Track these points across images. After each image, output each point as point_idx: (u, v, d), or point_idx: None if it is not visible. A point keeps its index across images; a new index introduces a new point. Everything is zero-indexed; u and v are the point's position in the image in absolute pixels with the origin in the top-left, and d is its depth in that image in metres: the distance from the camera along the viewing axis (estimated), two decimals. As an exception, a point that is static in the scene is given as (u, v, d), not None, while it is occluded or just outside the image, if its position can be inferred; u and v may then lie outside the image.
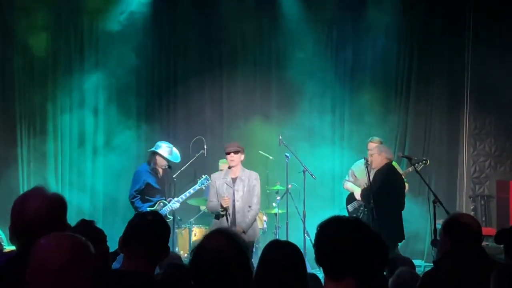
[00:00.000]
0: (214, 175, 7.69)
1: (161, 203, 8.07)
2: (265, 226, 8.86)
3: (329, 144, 10.24)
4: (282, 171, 8.88)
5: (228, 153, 7.45)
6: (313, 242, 2.53)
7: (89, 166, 9.63)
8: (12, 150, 9.31)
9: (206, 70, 10.09)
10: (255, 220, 7.59)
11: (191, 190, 8.11)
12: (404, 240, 9.65)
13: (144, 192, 8.09)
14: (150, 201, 8.06)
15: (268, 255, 3.18)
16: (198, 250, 2.35)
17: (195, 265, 2.30)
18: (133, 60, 9.60)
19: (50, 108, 9.43)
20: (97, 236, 3.63)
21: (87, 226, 3.62)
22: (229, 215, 7.39)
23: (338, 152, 10.28)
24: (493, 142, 10.48)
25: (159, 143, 8.28)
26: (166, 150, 8.17)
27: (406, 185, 8.11)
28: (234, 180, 7.50)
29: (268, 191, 9.59)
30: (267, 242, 8.82)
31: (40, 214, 2.55)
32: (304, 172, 8.49)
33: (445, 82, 10.42)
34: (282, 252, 3.16)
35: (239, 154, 7.47)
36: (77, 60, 9.53)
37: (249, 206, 7.46)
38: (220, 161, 8.85)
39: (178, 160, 8.30)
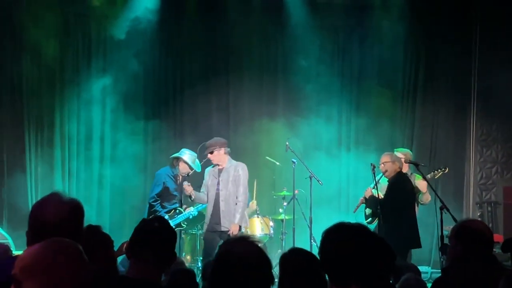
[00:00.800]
0: (208, 168, 8.05)
1: (177, 211, 8.12)
2: (272, 232, 8.85)
3: (336, 150, 10.24)
4: (288, 176, 8.88)
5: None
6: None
7: (95, 175, 9.64)
8: (20, 157, 9.33)
9: (212, 76, 10.11)
10: (244, 210, 7.88)
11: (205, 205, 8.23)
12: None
13: (162, 198, 8.15)
14: (167, 207, 8.13)
15: (288, 261, 3.17)
16: (224, 255, 2.29)
17: (220, 271, 2.26)
18: (140, 66, 9.63)
19: (58, 114, 9.45)
20: (105, 241, 3.65)
21: (94, 232, 3.62)
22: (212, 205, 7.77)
23: (345, 158, 10.28)
24: (499, 148, 10.45)
25: (183, 150, 8.40)
26: (190, 158, 8.26)
27: (429, 196, 8.02)
28: (220, 171, 7.87)
29: (274, 196, 9.59)
30: (273, 248, 8.88)
31: (58, 219, 2.56)
32: (310, 178, 8.48)
33: (452, 89, 10.41)
34: (303, 258, 3.15)
35: (215, 152, 7.80)
36: (84, 66, 9.56)
37: (237, 198, 7.75)
38: None
39: (199, 169, 8.38)
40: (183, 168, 8.29)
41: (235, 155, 9.07)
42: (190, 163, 8.26)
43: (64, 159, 9.46)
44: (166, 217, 8.05)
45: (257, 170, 10.02)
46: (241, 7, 9.95)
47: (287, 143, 8.91)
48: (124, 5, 9.52)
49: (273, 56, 10.33)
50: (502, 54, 9.96)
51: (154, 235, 2.94)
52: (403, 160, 7.92)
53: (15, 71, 9.33)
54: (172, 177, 8.29)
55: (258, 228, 8.66)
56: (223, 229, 7.71)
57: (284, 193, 9.05)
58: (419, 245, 7.53)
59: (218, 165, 7.90)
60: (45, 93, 9.42)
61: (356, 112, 10.24)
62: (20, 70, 9.31)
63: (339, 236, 2.45)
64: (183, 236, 8.89)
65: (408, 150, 8.60)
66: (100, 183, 9.66)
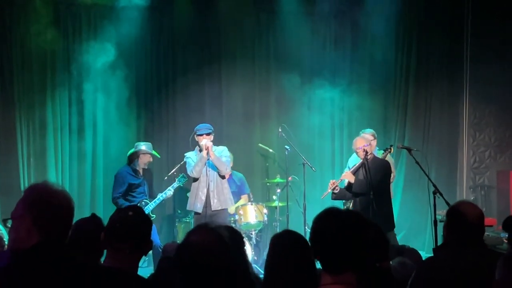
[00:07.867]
0: (189, 153, 7.91)
1: (143, 202, 8.02)
2: (266, 219, 8.86)
3: (329, 136, 10.25)
4: (282, 163, 8.88)
5: (203, 135, 7.69)
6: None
7: (89, 166, 9.58)
8: (13, 152, 9.24)
9: (204, 64, 10.06)
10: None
11: (171, 188, 8.13)
12: (404, 231, 9.73)
13: (127, 193, 8.02)
14: (133, 199, 8.01)
15: (278, 240, 3.19)
16: (182, 245, 2.34)
17: (180, 261, 2.31)
18: (132, 54, 9.57)
19: (49, 104, 9.36)
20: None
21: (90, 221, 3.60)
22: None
23: (338, 143, 10.30)
24: (492, 132, 10.48)
25: (137, 143, 8.30)
26: (148, 147, 8.23)
27: (395, 174, 8.26)
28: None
29: (268, 184, 9.61)
30: (268, 235, 8.89)
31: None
32: (304, 164, 8.49)
33: (444, 73, 10.42)
34: (293, 239, 3.16)
35: (210, 135, 7.72)
36: (75, 54, 9.46)
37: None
38: None
39: (159, 155, 8.56)
40: (144, 159, 8.19)
41: (228, 142, 9.07)
42: (149, 150, 8.21)
43: (57, 154, 9.36)
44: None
45: (251, 157, 10.03)
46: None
47: (279, 130, 8.92)
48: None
49: (265, 43, 10.29)
50: (494, 39, 9.97)
51: (129, 224, 2.93)
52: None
53: (6, 63, 9.23)
54: (132, 174, 8.14)
55: (252, 215, 8.67)
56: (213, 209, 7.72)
57: (277, 180, 9.06)
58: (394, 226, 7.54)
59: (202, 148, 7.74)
60: (36, 84, 9.33)
61: (349, 97, 10.22)
62: (11, 60, 9.22)
63: (330, 224, 2.38)
64: (176, 224, 8.88)
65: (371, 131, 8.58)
66: (93, 172, 9.61)
